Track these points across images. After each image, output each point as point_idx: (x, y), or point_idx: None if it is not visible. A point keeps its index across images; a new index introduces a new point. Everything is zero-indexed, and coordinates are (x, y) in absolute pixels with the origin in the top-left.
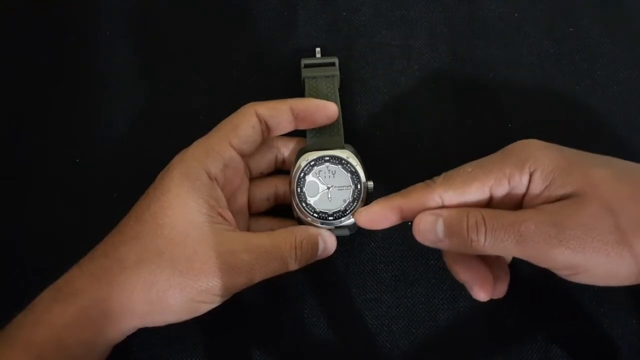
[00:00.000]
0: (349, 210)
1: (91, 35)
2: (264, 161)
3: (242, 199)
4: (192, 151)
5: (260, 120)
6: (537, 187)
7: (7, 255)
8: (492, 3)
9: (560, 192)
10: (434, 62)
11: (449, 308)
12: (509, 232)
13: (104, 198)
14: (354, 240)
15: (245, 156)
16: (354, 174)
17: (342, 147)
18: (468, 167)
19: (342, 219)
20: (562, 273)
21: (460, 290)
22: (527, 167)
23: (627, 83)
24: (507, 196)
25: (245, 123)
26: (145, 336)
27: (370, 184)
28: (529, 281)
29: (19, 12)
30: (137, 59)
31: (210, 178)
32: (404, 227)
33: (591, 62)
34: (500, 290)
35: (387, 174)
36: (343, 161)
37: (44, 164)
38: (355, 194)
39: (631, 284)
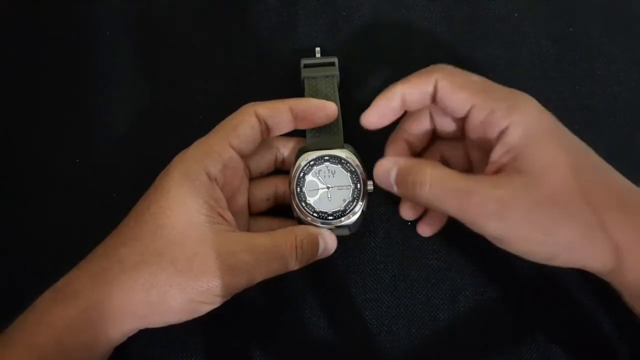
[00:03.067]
0: (348, 210)
1: (91, 35)
2: (263, 161)
3: (242, 199)
4: (192, 152)
5: (259, 121)
6: (510, 142)
7: (7, 256)
8: (492, 3)
9: (525, 163)
10: (434, 62)
11: (449, 308)
12: (454, 199)
13: (104, 198)
14: (354, 240)
15: (244, 156)
16: (353, 173)
17: (342, 147)
18: (473, 76)
19: (342, 218)
20: (490, 239)
21: (460, 290)
22: (511, 116)
23: (628, 83)
24: (482, 126)
25: (245, 123)
26: (145, 336)
27: (370, 183)
28: (529, 281)
29: (19, 12)
30: (137, 59)
31: (210, 178)
32: (404, 227)
33: (591, 62)
34: (428, 229)
35: None
36: (343, 161)
37: (44, 164)
38: (355, 193)
39: (549, 264)
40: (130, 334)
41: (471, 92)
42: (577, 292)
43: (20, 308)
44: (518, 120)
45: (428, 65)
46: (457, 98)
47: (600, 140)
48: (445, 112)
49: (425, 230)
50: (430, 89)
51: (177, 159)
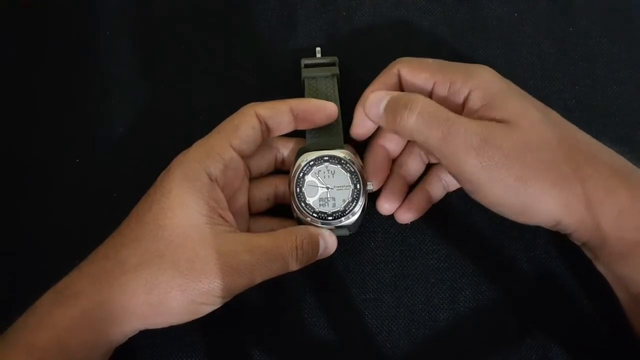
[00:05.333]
0: (348, 210)
1: (91, 35)
2: (263, 161)
3: (242, 200)
4: (193, 152)
5: (260, 121)
6: (474, 105)
7: (7, 256)
8: (492, 3)
9: (495, 113)
10: None
11: (449, 308)
12: (441, 125)
13: (104, 198)
14: (354, 241)
15: (245, 156)
16: (353, 174)
17: (342, 147)
18: (430, 60)
19: (342, 218)
20: (465, 186)
21: (460, 290)
22: (469, 83)
23: (627, 82)
24: (447, 102)
25: (246, 124)
26: (145, 336)
27: (370, 184)
28: (529, 281)
29: (19, 12)
30: (137, 59)
31: (210, 179)
32: (404, 227)
33: (591, 61)
34: (407, 216)
35: None
36: (342, 161)
37: (44, 164)
38: (355, 194)
39: (518, 220)
40: (131, 335)
41: (431, 72)
42: (577, 292)
43: (21, 309)
44: (477, 85)
45: None
46: (419, 79)
47: (600, 140)
48: None
49: (403, 216)
50: (395, 79)
51: (177, 159)
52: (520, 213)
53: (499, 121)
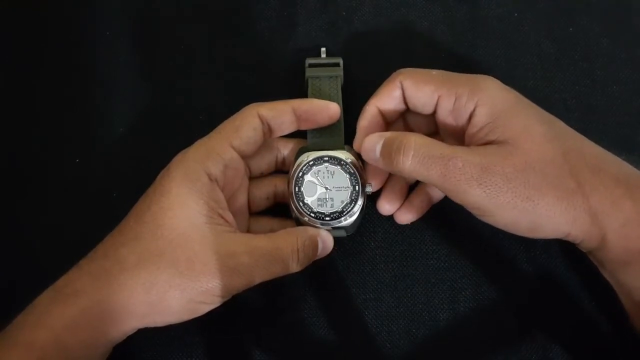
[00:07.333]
0: (346, 212)
1: (91, 35)
2: (264, 162)
3: (242, 199)
4: (193, 152)
5: (262, 122)
6: (480, 121)
7: (6, 255)
8: (492, 3)
9: (498, 134)
10: (434, 62)
11: (449, 308)
12: (437, 164)
13: (104, 198)
14: (354, 241)
15: (245, 157)
16: (352, 175)
17: (342, 148)
18: (434, 71)
19: (340, 219)
20: (473, 212)
21: (460, 290)
22: (475, 97)
23: (627, 82)
24: (452, 115)
25: (247, 125)
26: (145, 336)
27: (369, 185)
28: (529, 281)
29: (19, 12)
30: (137, 59)
31: (210, 179)
32: (404, 227)
33: (591, 61)
34: (407, 217)
35: None
36: (342, 162)
37: (44, 164)
38: (353, 195)
39: (528, 237)
40: (130, 333)
41: (435, 84)
42: (577, 292)
43: (20, 308)
44: (483, 100)
45: (428, 65)
46: (424, 92)
47: (600, 140)
48: (416, 112)
49: (403, 217)
50: (398, 92)
51: (177, 159)
52: (530, 230)
53: (501, 142)
